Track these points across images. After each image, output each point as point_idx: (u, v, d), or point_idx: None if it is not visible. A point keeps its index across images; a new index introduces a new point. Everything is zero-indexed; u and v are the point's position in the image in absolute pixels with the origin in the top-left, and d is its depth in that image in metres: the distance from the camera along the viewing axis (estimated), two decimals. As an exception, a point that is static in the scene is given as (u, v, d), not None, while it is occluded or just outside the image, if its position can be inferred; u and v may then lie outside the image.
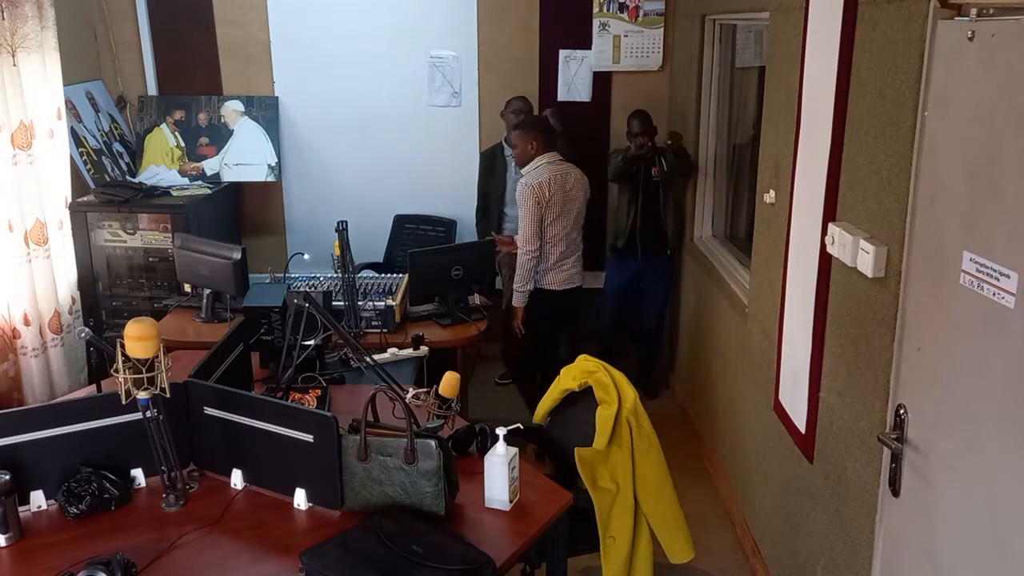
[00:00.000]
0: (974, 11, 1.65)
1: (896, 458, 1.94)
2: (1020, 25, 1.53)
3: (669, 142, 4.48)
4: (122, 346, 2.12)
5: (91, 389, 2.94)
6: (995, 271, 1.55)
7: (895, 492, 1.96)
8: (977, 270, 1.60)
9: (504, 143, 4.68)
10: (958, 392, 1.72)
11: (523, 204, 4.03)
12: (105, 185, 4.56)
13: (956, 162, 1.71)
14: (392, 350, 3.41)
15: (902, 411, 1.92)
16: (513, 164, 4.46)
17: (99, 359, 2.82)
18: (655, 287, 4.79)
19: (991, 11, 1.60)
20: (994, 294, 1.56)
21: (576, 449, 2.63)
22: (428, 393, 2.58)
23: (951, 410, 1.75)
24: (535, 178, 4.01)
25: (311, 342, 2.95)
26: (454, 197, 5.05)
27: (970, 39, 1.63)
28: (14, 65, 3.81)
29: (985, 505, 1.65)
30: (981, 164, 1.61)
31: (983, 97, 1.60)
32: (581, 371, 2.77)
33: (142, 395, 2.17)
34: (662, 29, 4.96)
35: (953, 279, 1.68)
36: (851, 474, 2.33)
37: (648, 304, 4.83)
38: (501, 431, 2.28)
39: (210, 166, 4.94)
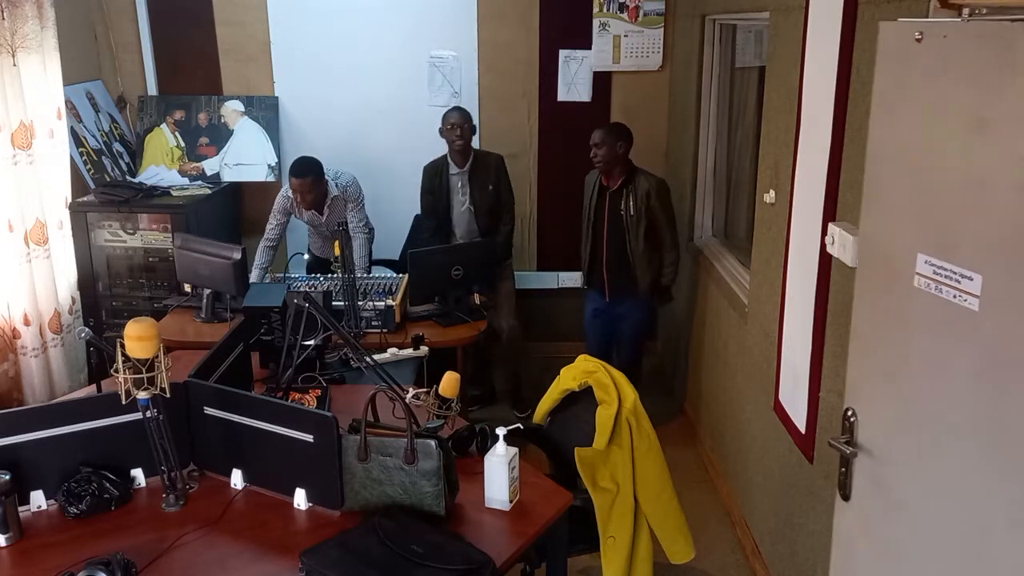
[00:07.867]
0: (966, 11, 1.61)
1: (846, 462, 1.89)
2: (973, 26, 1.50)
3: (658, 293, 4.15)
4: (122, 346, 2.13)
5: (91, 389, 2.94)
6: (955, 273, 1.52)
7: (845, 496, 1.92)
8: (934, 272, 1.57)
9: (449, 160, 4.42)
10: (913, 395, 1.68)
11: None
12: (105, 185, 4.56)
13: (904, 165, 1.66)
14: (392, 350, 3.41)
15: (851, 414, 1.88)
16: (460, 186, 4.31)
17: (99, 359, 2.82)
18: (626, 330, 4.33)
19: (984, 11, 1.57)
20: (955, 296, 1.52)
21: (576, 449, 2.64)
22: (428, 393, 2.58)
23: (905, 414, 1.71)
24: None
25: (311, 342, 2.95)
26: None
27: (918, 40, 1.58)
28: (14, 65, 3.81)
29: (941, 510, 1.62)
30: (935, 167, 1.58)
31: (933, 99, 1.57)
32: (581, 371, 2.77)
33: (142, 395, 2.17)
34: (662, 29, 4.96)
35: (906, 281, 1.64)
36: (851, 474, 2.33)
37: (619, 346, 4.39)
38: (501, 431, 2.29)
39: (210, 166, 4.94)
